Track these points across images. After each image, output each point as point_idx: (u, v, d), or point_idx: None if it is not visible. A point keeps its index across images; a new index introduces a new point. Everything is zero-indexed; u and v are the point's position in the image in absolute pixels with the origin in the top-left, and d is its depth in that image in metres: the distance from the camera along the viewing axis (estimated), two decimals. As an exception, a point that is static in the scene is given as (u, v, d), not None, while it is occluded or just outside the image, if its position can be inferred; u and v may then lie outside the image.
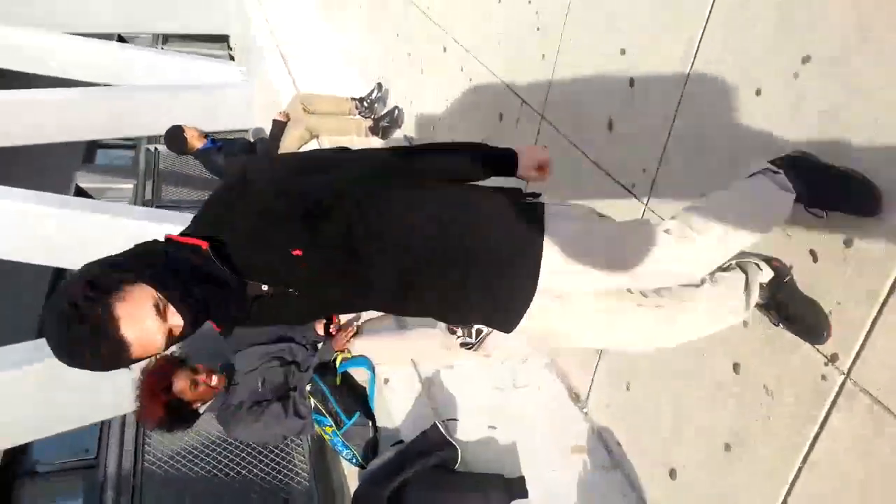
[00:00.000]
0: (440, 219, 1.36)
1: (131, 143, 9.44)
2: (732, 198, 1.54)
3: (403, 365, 2.95)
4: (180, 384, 2.65)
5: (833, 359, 1.65)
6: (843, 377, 1.62)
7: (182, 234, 1.28)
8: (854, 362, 1.60)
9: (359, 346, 2.89)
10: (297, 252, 1.28)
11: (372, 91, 4.98)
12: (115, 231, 5.10)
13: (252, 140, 5.31)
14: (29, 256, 5.48)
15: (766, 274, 1.73)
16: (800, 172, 1.55)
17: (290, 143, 4.85)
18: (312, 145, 4.89)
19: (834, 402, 1.65)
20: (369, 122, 4.81)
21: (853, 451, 1.61)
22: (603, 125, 2.46)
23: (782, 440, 1.79)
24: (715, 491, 2.03)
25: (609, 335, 1.63)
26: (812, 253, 1.68)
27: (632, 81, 2.30)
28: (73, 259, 4.67)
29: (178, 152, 4.97)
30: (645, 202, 2.29)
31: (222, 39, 8.95)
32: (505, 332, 1.51)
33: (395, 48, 4.72)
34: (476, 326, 2.36)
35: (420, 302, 1.43)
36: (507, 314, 1.46)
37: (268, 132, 5.02)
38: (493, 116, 3.31)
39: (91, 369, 1.11)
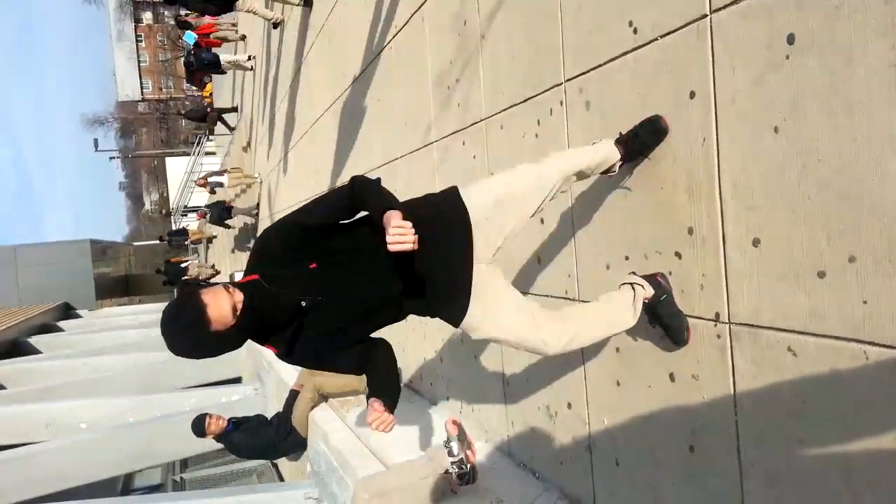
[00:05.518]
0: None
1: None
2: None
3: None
4: None
5: (718, 317, 2.18)
6: (727, 325, 2.15)
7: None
8: (729, 309, 2.14)
9: None
10: (313, 265, 1.91)
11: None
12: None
13: (268, 417, 5.86)
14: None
15: (649, 291, 2.34)
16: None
17: (302, 408, 5.44)
18: (322, 406, 5.47)
19: (731, 347, 2.14)
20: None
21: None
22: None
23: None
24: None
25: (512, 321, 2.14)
26: (677, 254, 2.34)
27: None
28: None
29: (200, 436, 5.52)
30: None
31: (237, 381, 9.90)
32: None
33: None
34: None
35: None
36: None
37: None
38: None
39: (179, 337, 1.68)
